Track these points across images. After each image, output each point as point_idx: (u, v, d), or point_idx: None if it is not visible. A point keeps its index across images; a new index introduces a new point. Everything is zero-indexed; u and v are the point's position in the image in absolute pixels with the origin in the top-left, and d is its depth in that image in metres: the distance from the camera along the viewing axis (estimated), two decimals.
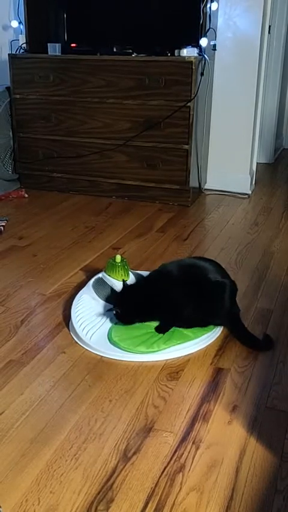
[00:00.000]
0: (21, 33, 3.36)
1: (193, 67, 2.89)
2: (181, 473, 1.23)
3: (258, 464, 1.27)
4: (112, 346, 1.69)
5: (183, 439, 1.34)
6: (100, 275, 1.98)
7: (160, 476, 1.22)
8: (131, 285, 1.82)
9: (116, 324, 1.76)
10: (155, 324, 1.78)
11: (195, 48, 2.98)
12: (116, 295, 1.81)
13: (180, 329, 1.76)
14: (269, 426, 1.39)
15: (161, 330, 1.74)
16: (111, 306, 1.80)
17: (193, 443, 1.33)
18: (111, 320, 1.79)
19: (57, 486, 1.19)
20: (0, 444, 1.31)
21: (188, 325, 1.75)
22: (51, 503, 1.15)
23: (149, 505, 1.15)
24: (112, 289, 1.89)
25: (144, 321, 1.75)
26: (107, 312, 1.82)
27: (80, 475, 1.22)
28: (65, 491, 1.18)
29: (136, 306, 1.72)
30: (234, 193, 3.44)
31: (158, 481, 1.21)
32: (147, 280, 1.83)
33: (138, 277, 1.97)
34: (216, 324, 1.80)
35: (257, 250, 2.56)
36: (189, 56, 2.91)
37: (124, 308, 1.71)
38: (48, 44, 3.20)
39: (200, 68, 2.95)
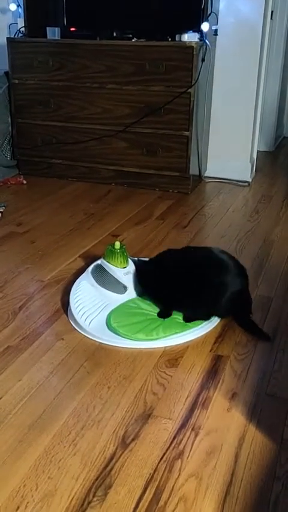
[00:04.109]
0: (19, 17, 3.30)
1: (194, 52, 2.85)
2: (180, 460, 1.23)
3: (257, 450, 1.26)
4: (111, 332, 1.68)
5: (182, 426, 1.33)
6: (99, 262, 1.96)
7: (159, 463, 1.22)
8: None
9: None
10: (154, 310, 1.77)
11: (197, 33, 2.94)
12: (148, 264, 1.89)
13: (181, 320, 1.75)
14: (268, 414, 1.38)
15: (162, 315, 1.73)
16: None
17: (192, 429, 1.32)
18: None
19: (55, 472, 1.18)
20: None
21: (189, 314, 1.74)
22: (49, 489, 1.14)
23: (148, 491, 1.14)
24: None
25: (148, 295, 1.79)
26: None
27: (78, 461, 1.22)
28: (63, 477, 1.17)
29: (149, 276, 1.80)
30: (235, 180, 3.42)
31: (156, 467, 1.20)
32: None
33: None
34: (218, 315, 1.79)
35: (257, 238, 2.54)
36: (190, 41, 2.87)
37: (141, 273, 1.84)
38: (47, 28, 3.15)
39: (201, 53, 2.91)
